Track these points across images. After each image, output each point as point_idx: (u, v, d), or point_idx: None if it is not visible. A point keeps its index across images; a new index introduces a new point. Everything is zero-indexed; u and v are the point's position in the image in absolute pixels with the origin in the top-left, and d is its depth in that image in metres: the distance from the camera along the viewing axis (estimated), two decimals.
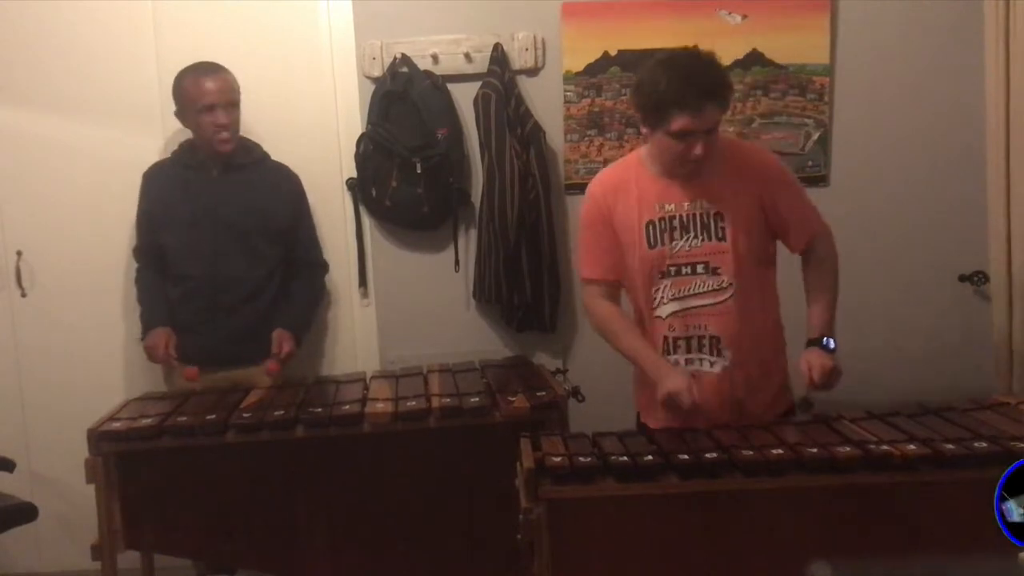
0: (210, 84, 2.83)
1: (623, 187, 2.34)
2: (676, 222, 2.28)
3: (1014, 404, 2.28)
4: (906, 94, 3.18)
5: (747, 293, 2.29)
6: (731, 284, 2.27)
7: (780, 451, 1.99)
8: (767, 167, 2.36)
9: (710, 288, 2.28)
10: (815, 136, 3.18)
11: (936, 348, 3.23)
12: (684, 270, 2.28)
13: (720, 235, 2.27)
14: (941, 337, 3.24)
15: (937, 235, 3.21)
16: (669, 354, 2.31)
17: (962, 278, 3.20)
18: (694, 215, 2.28)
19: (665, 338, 2.31)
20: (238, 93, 2.90)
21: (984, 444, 1.97)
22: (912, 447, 1.96)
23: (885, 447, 1.97)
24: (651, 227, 2.29)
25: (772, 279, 2.39)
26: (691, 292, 2.29)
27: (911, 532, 1.93)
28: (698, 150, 2.17)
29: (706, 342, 2.29)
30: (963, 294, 3.23)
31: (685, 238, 2.28)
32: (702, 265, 2.28)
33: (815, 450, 1.98)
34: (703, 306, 2.28)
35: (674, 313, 2.30)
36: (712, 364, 2.29)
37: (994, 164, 3.00)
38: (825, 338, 2.30)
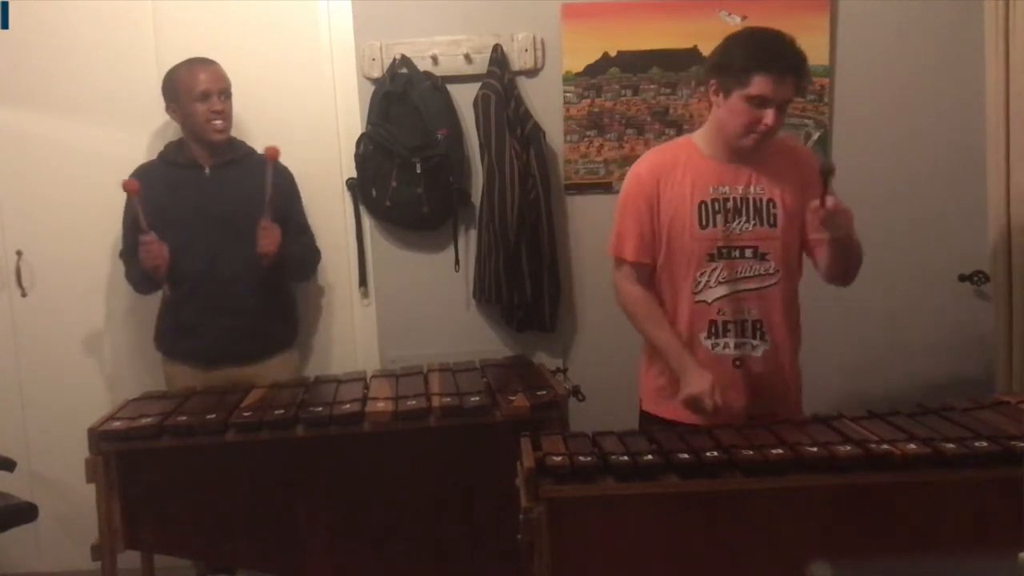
0: (204, 74, 2.87)
1: (673, 169, 2.34)
2: (730, 204, 2.30)
3: (1014, 403, 2.28)
4: (906, 94, 3.18)
5: (788, 282, 2.34)
6: (777, 271, 2.31)
7: (780, 451, 1.99)
8: (815, 167, 2.38)
9: (757, 273, 2.31)
10: (815, 136, 3.18)
11: (936, 347, 3.23)
12: (734, 253, 2.31)
13: (772, 221, 2.31)
14: (941, 336, 3.24)
15: (937, 235, 3.21)
16: (718, 337, 2.33)
17: (962, 278, 3.20)
18: (748, 199, 2.30)
19: (712, 322, 2.33)
20: (230, 85, 2.93)
21: (984, 444, 1.97)
22: (912, 446, 1.97)
23: (885, 446, 1.97)
24: (703, 207, 2.30)
25: (800, 272, 2.41)
26: (740, 275, 2.31)
27: (911, 532, 1.93)
28: (769, 119, 2.20)
29: (749, 326, 2.32)
30: (963, 294, 3.22)
31: (738, 221, 2.30)
32: (751, 250, 2.30)
33: (815, 450, 1.99)
34: (750, 290, 2.31)
35: (723, 297, 2.32)
36: (755, 347, 2.33)
37: (994, 164, 3.00)
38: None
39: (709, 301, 2.32)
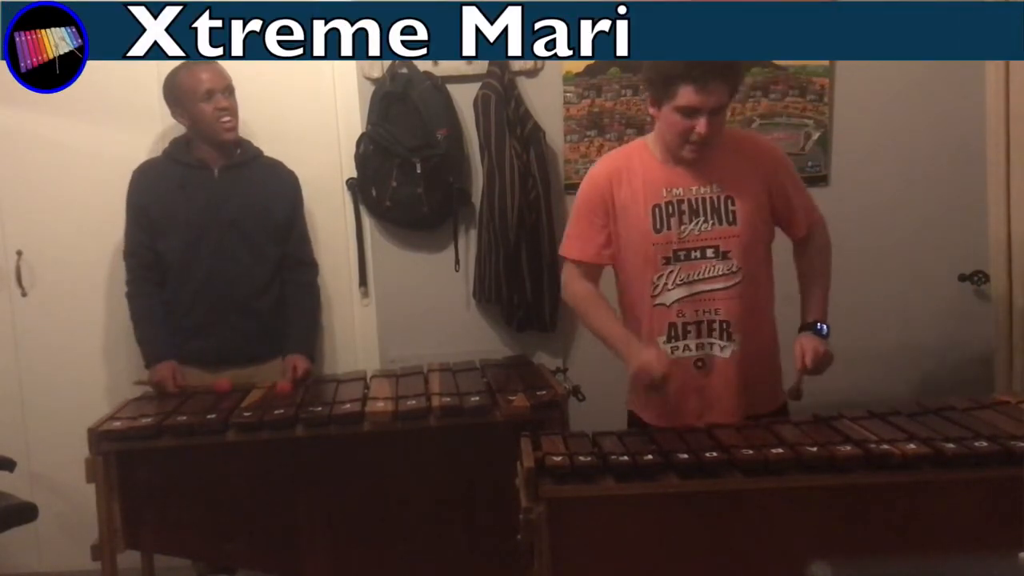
0: (206, 73, 2.83)
1: (627, 171, 2.33)
2: (685, 206, 2.28)
3: (1014, 403, 2.27)
4: (906, 94, 3.18)
5: (754, 278, 2.31)
6: (740, 269, 2.28)
7: (780, 451, 1.99)
8: (775, 155, 2.41)
9: (720, 273, 2.28)
10: (815, 136, 3.19)
11: (936, 347, 3.23)
12: (694, 254, 2.28)
13: (731, 219, 2.28)
14: (941, 336, 3.24)
15: (937, 235, 3.21)
16: (678, 340, 2.31)
17: (962, 278, 3.20)
18: (704, 199, 2.28)
19: (672, 324, 2.30)
20: (232, 81, 2.90)
21: (984, 443, 1.96)
22: (912, 446, 1.96)
23: (885, 446, 1.97)
24: (657, 210, 2.29)
25: (771, 268, 2.39)
26: (700, 277, 2.29)
27: (911, 532, 1.93)
28: (701, 127, 2.17)
29: (716, 326, 2.29)
30: (963, 294, 3.22)
31: (695, 222, 2.28)
32: (712, 249, 2.28)
33: (815, 450, 1.98)
34: (714, 290, 2.28)
35: (682, 299, 2.29)
36: (723, 348, 2.30)
37: (994, 164, 3.00)
38: (818, 323, 2.32)
39: (668, 304, 2.30)
